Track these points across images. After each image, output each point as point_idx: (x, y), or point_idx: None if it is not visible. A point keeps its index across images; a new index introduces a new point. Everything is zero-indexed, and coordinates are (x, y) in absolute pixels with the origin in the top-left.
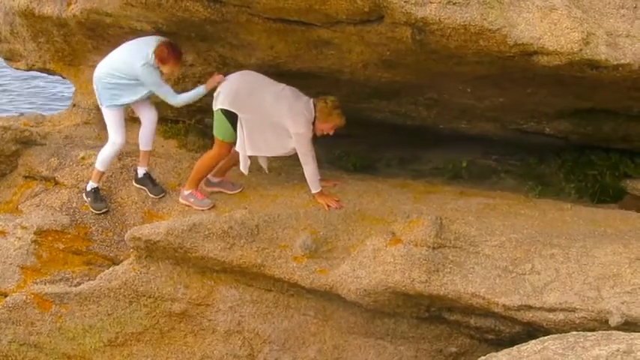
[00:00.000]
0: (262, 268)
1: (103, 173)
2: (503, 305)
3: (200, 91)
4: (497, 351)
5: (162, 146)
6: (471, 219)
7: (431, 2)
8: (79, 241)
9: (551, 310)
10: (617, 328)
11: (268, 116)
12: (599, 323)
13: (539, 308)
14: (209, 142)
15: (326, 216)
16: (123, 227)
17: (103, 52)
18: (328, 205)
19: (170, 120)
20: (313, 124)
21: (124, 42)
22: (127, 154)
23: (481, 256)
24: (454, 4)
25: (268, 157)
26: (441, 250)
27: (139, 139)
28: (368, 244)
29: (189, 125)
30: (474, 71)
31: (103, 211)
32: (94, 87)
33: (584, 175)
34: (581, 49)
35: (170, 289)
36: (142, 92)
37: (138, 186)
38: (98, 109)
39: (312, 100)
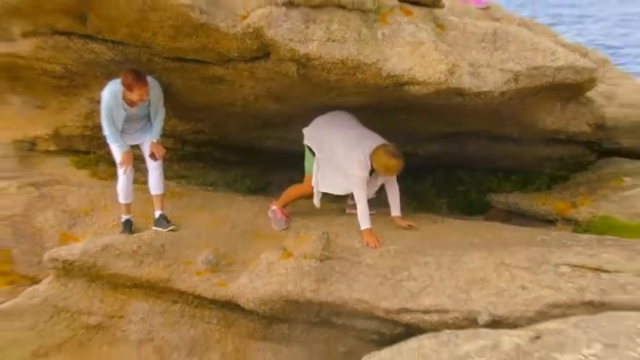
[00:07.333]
0: (169, 282)
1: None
2: (385, 309)
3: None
4: (380, 350)
5: (75, 175)
6: (355, 233)
7: (312, 40)
8: (3, 263)
9: (426, 312)
10: (485, 326)
11: (336, 158)
12: (469, 322)
13: (416, 310)
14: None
15: (225, 235)
16: (42, 249)
17: (18, 92)
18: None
19: (82, 151)
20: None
21: (35, 83)
22: (43, 183)
23: (364, 266)
24: (333, 41)
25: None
26: (328, 261)
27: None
28: (263, 259)
29: (100, 156)
30: (355, 101)
31: None
32: None
33: (454, 192)
34: (447, 79)
35: (86, 303)
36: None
37: (155, 228)
38: (14, 143)
39: (372, 148)
